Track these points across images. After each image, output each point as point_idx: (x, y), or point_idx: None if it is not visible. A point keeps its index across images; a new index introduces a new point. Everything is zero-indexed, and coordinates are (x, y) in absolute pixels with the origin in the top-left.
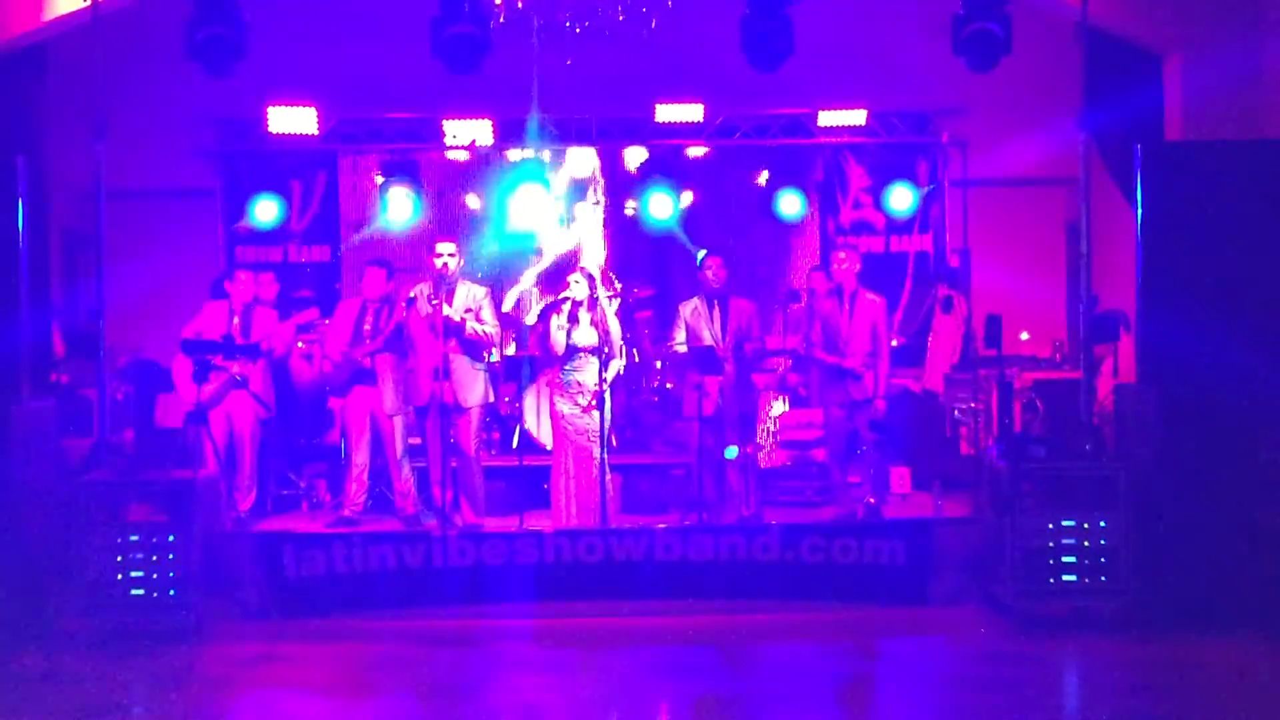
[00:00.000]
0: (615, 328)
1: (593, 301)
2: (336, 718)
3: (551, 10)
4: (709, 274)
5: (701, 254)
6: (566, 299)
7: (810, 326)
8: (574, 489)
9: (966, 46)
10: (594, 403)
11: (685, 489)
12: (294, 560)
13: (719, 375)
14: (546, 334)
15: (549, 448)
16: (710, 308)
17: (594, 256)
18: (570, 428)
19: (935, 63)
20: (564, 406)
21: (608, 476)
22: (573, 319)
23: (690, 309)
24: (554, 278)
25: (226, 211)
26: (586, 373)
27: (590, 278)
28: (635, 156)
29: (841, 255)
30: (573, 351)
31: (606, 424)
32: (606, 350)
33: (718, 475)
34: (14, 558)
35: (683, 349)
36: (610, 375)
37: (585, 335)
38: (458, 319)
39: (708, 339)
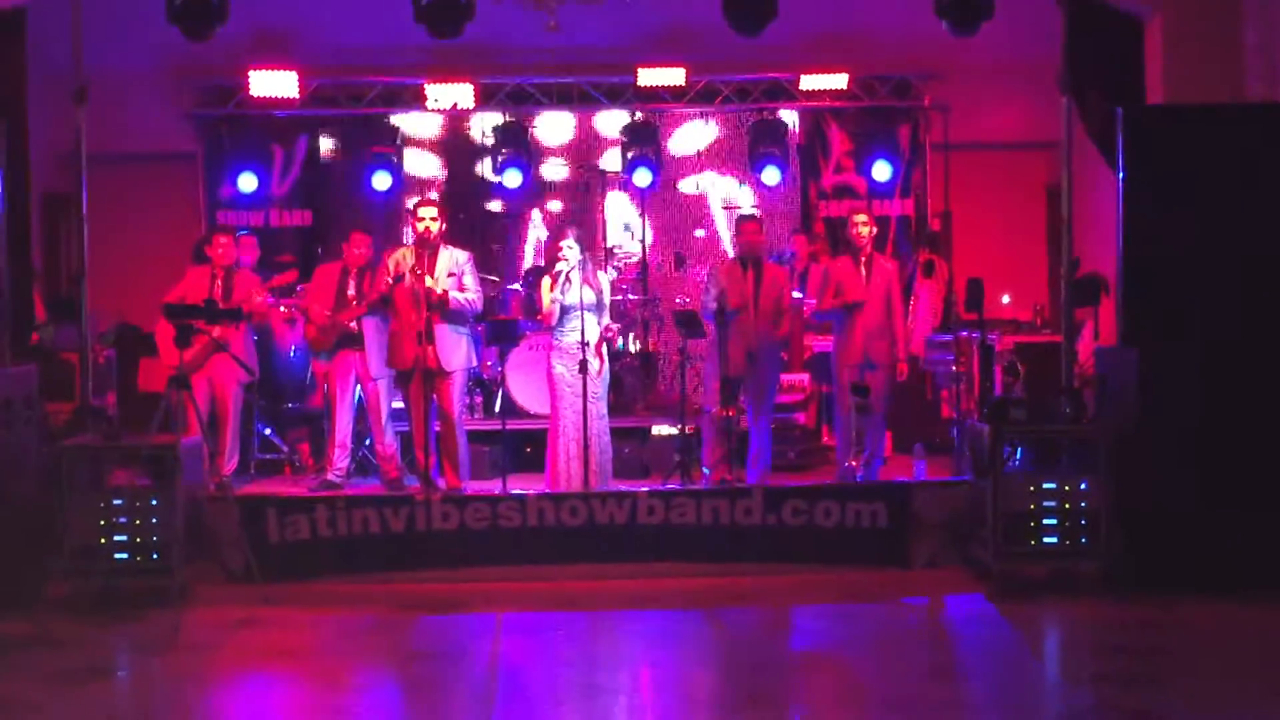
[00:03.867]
0: (607, 287)
1: (583, 263)
2: (320, 681)
3: None
4: (744, 237)
5: (738, 216)
6: (560, 265)
7: (824, 289)
8: (575, 450)
9: (948, 10)
10: (595, 359)
11: (668, 452)
12: (277, 524)
13: (702, 338)
14: (535, 299)
15: (532, 412)
16: (745, 269)
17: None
18: (569, 388)
19: (917, 26)
20: (561, 367)
21: (606, 436)
22: (566, 281)
23: (726, 270)
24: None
25: (208, 175)
26: (585, 332)
27: (580, 241)
28: (617, 120)
29: (861, 219)
30: (568, 313)
31: (607, 380)
32: (600, 307)
33: (702, 437)
34: None
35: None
36: (604, 334)
37: (579, 295)
38: (440, 288)
39: (737, 301)
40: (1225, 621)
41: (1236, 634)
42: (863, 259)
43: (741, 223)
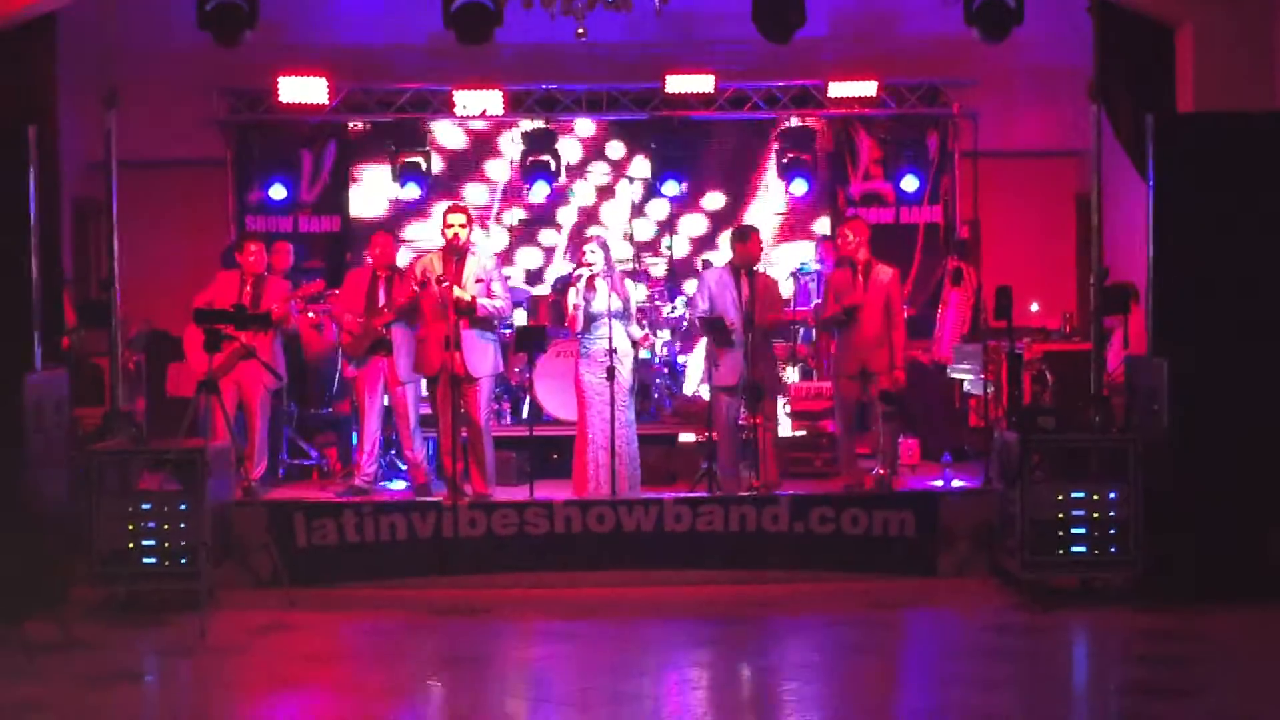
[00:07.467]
0: (633, 294)
1: (609, 269)
2: (346, 686)
3: None
4: (746, 246)
5: (741, 227)
6: (583, 270)
7: (824, 299)
8: (603, 457)
9: (978, 17)
10: (619, 366)
11: (695, 460)
12: (305, 529)
13: (729, 346)
14: (562, 305)
15: (559, 418)
16: (736, 279)
17: (606, 226)
18: (597, 396)
19: (946, 33)
20: (589, 375)
21: (634, 445)
22: (590, 288)
23: (715, 278)
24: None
25: (237, 181)
26: (612, 339)
27: (605, 247)
28: (645, 127)
29: (848, 231)
30: (594, 320)
31: (633, 388)
32: (627, 315)
33: (728, 446)
34: (26, 527)
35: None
36: (635, 339)
37: (605, 303)
38: (469, 297)
39: (730, 310)
40: (1255, 632)
41: (1267, 645)
42: (860, 268)
43: (750, 230)
